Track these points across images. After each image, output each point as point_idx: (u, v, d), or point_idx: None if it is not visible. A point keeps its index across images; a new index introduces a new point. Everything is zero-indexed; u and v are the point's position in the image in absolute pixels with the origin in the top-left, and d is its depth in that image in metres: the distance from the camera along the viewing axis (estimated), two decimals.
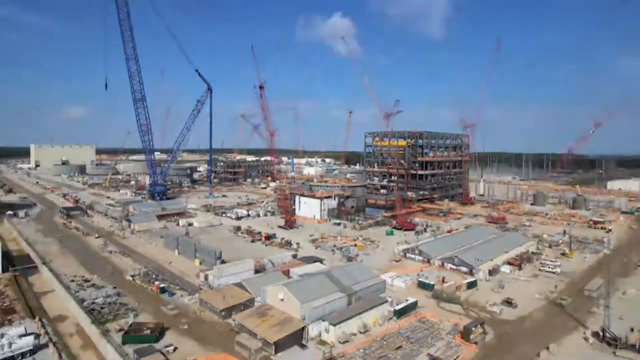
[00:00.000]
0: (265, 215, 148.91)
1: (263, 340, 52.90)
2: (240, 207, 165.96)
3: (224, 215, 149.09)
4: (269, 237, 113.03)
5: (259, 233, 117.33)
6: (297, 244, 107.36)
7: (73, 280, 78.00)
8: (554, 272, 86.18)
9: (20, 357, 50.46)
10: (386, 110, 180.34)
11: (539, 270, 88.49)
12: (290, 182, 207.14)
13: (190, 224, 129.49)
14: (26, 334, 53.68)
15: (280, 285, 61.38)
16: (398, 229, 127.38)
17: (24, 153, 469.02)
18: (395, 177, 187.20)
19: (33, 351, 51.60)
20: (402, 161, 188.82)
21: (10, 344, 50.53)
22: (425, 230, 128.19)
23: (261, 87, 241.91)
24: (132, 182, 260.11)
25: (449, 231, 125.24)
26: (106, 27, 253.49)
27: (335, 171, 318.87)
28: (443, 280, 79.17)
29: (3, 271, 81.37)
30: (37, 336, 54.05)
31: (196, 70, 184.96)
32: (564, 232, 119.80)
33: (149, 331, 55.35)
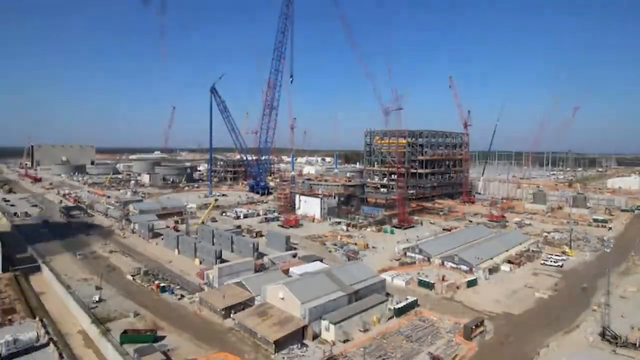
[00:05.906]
0: (265, 214, 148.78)
1: (263, 339, 52.97)
2: (240, 206, 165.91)
3: (224, 214, 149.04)
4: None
5: (259, 232, 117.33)
6: (296, 243, 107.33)
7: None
8: (559, 266, 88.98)
9: (24, 353, 50.93)
10: (386, 107, 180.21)
11: (541, 264, 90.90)
12: (289, 180, 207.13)
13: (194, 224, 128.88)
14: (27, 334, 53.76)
15: (281, 284, 61.39)
16: (398, 227, 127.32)
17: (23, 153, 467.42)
18: (396, 176, 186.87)
19: (36, 347, 52.02)
20: (403, 159, 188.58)
21: (15, 341, 50.89)
22: (421, 224, 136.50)
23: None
24: (132, 182, 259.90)
25: (449, 230, 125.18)
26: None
27: (336, 170, 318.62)
28: (443, 279, 79.19)
29: (3, 271, 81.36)
30: (38, 337, 54.02)
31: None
32: (566, 230, 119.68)
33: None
